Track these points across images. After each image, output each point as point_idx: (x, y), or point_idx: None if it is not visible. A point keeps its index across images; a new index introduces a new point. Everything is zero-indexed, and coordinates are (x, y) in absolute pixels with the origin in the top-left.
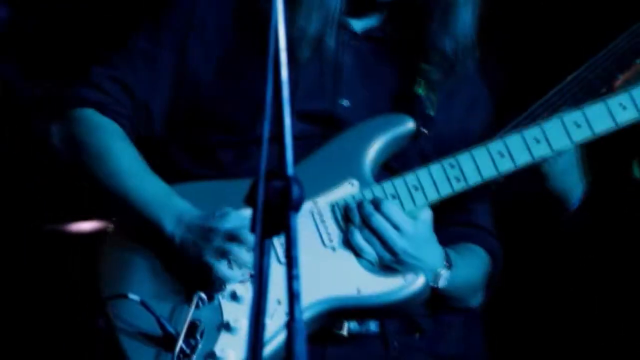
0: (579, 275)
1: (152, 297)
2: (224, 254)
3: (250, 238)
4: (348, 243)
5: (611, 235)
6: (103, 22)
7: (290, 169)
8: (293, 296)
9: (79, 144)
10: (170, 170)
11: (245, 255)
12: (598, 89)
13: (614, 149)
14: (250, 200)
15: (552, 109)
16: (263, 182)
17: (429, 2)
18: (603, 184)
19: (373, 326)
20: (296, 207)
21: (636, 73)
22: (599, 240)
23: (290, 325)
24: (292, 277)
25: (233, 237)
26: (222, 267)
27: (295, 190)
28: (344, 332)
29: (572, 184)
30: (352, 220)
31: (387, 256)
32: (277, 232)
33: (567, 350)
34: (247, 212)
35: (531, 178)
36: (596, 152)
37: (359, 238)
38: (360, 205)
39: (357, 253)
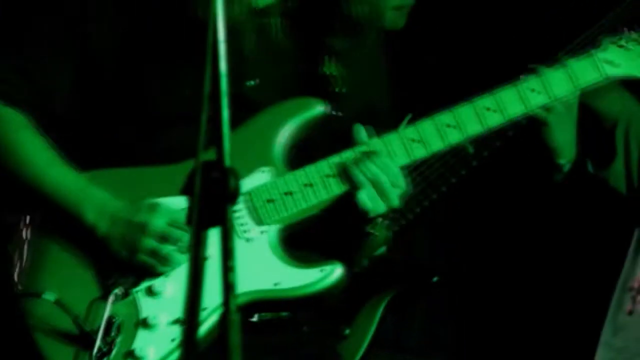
0: (547, 265)
1: (69, 293)
2: (156, 255)
3: (184, 237)
4: (263, 233)
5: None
6: None
7: (227, 161)
8: (228, 288)
9: None
10: (76, 154)
11: (178, 256)
12: None
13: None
14: (187, 191)
15: None
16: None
17: None
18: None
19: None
20: (232, 199)
21: None
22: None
23: (225, 316)
24: (227, 269)
25: (166, 237)
26: (153, 267)
27: (232, 182)
28: (255, 318)
29: (565, 141)
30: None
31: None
32: (213, 224)
33: (535, 342)
34: (175, 203)
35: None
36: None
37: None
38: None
39: (273, 245)
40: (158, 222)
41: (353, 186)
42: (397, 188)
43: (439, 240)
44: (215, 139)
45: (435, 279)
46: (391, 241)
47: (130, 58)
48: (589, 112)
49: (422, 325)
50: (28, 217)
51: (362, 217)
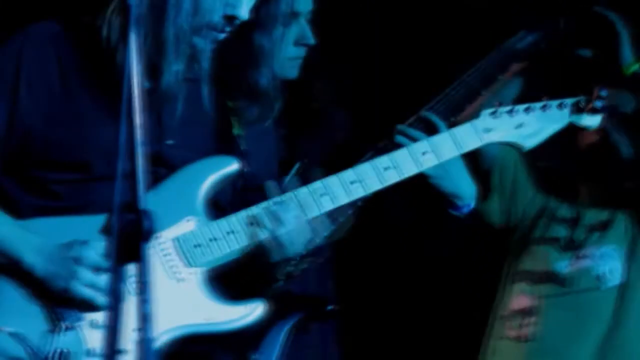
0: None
1: (21, 326)
2: (94, 286)
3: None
4: (191, 274)
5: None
6: None
7: (142, 203)
8: (145, 318)
9: None
10: (4, 201)
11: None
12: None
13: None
14: (106, 231)
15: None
16: (117, 214)
17: (246, 51)
18: None
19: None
20: (147, 237)
21: (498, 88)
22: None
23: (142, 343)
24: (143, 300)
25: (99, 267)
26: (88, 296)
27: (146, 223)
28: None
29: (458, 184)
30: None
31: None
32: (130, 260)
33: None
34: (103, 241)
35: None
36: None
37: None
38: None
39: (202, 284)
40: (90, 254)
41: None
42: (302, 236)
43: (329, 272)
44: (132, 185)
45: (329, 307)
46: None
47: (52, 116)
48: (469, 156)
49: (315, 349)
50: None
51: (269, 262)
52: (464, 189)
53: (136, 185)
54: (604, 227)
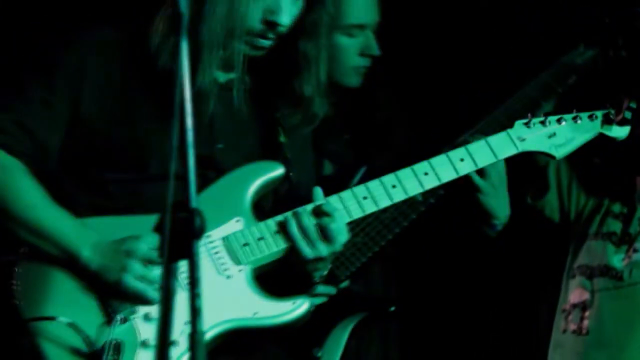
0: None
1: (78, 317)
2: (145, 279)
3: None
4: (240, 271)
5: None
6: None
7: (193, 202)
8: (195, 311)
9: None
10: (63, 199)
11: (157, 278)
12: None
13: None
14: (159, 229)
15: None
16: (170, 213)
17: (292, 59)
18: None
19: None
20: (198, 235)
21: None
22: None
23: (193, 336)
24: (194, 295)
25: (151, 260)
26: (139, 288)
27: (197, 221)
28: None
29: (499, 204)
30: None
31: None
32: (182, 257)
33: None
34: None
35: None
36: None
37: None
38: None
39: (249, 281)
40: (141, 247)
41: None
42: (342, 237)
43: (392, 274)
44: (184, 185)
45: (392, 308)
46: (353, 276)
47: (114, 119)
48: (526, 153)
49: (377, 348)
50: (29, 253)
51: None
52: (502, 210)
53: (187, 185)
54: None
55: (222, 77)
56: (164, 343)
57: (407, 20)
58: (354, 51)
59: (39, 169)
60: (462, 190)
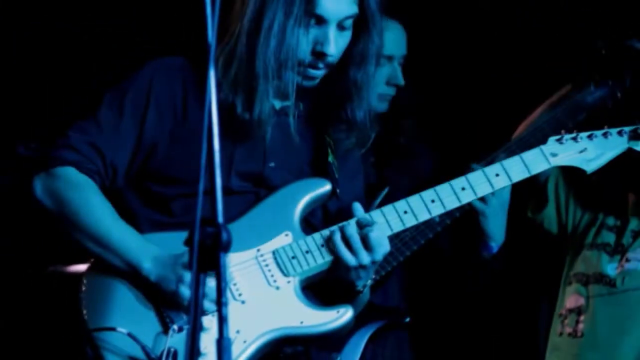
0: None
1: (136, 327)
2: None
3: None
4: (289, 282)
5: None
6: (77, 96)
7: (220, 218)
8: (222, 319)
9: (62, 197)
10: (127, 214)
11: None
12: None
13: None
14: (188, 243)
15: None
16: (199, 228)
17: (344, 86)
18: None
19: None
20: (225, 248)
21: None
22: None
23: (219, 342)
24: (221, 304)
25: None
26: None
27: (224, 235)
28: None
29: (497, 229)
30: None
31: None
32: (210, 269)
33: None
34: None
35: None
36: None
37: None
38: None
39: (297, 292)
40: None
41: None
42: (383, 247)
43: (407, 286)
44: (212, 202)
45: (407, 319)
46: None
47: (173, 138)
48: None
49: (392, 353)
50: (94, 267)
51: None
52: (499, 232)
53: (215, 202)
54: None
55: (277, 104)
56: (193, 348)
57: (430, 52)
58: (381, 79)
59: (107, 186)
60: (466, 213)
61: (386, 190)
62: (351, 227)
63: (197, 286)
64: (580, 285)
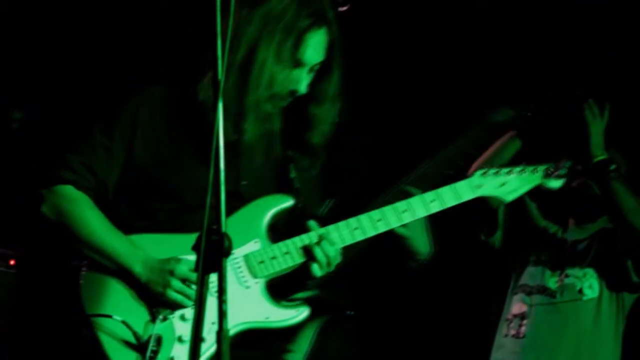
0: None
1: (128, 316)
2: (183, 293)
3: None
4: (257, 283)
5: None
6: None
7: (223, 228)
8: (222, 314)
9: (64, 211)
10: (118, 222)
11: (193, 292)
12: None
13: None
14: (195, 248)
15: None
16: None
17: (303, 118)
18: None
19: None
20: (226, 254)
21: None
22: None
23: (219, 333)
24: (221, 301)
25: (185, 279)
26: (178, 299)
27: (226, 243)
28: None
29: (422, 244)
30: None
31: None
32: (213, 271)
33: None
34: (192, 258)
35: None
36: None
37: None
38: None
39: (263, 291)
40: (181, 269)
41: (311, 258)
42: (337, 258)
43: (351, 286)
44: (216, 215)
45: (350, 312)
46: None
47: (158, 160)
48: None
49: (338, 344)
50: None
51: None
52: (424, 248)
53: (219, 214)
54: (585, 252)
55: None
56: (197, 338)
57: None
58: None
59: (100, 200)
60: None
61: (327, 203)
62: (310, 238)
63: (202, 287)
64: (525, 295)
